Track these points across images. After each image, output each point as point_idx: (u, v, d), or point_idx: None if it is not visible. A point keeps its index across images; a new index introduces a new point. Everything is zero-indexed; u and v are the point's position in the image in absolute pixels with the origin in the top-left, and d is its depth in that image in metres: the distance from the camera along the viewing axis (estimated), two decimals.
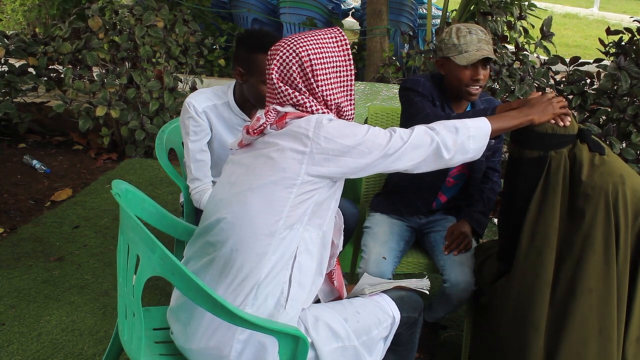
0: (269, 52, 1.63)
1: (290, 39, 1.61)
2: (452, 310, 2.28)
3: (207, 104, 2.27)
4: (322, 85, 1.59)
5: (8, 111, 4.03)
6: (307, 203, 1.55)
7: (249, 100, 2.23)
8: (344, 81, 1.63)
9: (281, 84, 1.59)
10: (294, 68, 1.57)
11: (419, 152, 1.62)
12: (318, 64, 1.58)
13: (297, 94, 1.58)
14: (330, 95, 1.60)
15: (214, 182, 2.35)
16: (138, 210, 1.76)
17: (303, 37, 1.60)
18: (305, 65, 1.57)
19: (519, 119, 1.77)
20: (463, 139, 1.67)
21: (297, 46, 1.58)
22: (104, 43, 4.03)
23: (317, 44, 1.59)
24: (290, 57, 1.57)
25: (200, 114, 2.25)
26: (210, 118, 2.27)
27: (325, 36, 1.62)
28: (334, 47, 1.61)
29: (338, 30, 1.64)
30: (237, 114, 2.29)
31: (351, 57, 1.64)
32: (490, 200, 2.32)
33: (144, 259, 1.45)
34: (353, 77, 1.64)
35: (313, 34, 1.62)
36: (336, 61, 1.61)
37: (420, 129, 1.65)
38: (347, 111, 1.64)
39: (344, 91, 1.63)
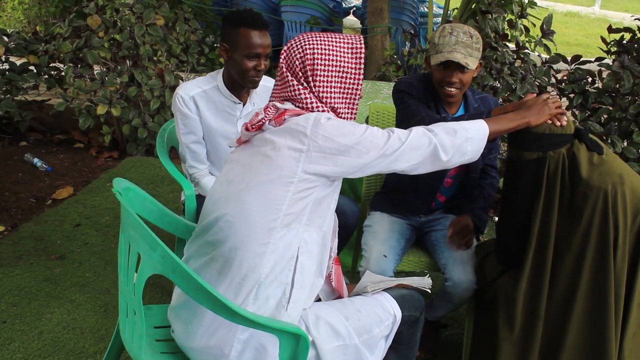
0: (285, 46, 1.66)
1: (305, 35, 1.63)
2: (453, 309, 2.28)
3: (196, 90, 2.34)
4: (319, 86, 1.60)
5: (9, 109, 4.03)
6: (305, 201, 1.54)
7: (235, 78, 2.29)
8: (348, 87, 1.63)
9: (288, 74, 1.62)
10: (297, 63, 1.60)
11: (417, 153, 1.62)
12: (321, 64, 1.59)
13: (300, 87, 1.60)
14: (326, 97, 1.61)
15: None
16: (139, 209, 1.76)
17: (317, 36, 1.62)
18: (307, 62, 1.59)
19: (516, 121, 1.77)
20: (461, 141, 1.67)
21: (306, 42, 1.61)
22: (104, 41, 4.03)
23: (328, 45, 1.61)
24: (296, 51, 1.61)
25: (187, 102, 2.32)
26: (198, 104, 2.33)
27: (342, 41, 1.63)
28: (346, 52, 1.62)
29: (358, 38, 1.66)
30: (226, 96, 2.35)
31: (362, 66, 1.64)
32: (490, 196, 2.31)
33: (145, 257, 1.44)
34: (360, 86, 1.64)
35: (330, 36, 1.63)
36: (344, 66, 1.61)
37: (418, 130, 1.65)
38: (344, 117, 1.65)
39: (345, 97, 1.64)
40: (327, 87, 1.60)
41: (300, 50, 1.60)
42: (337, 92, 1.62)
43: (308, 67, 1.59)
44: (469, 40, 2.04)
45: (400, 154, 1.60)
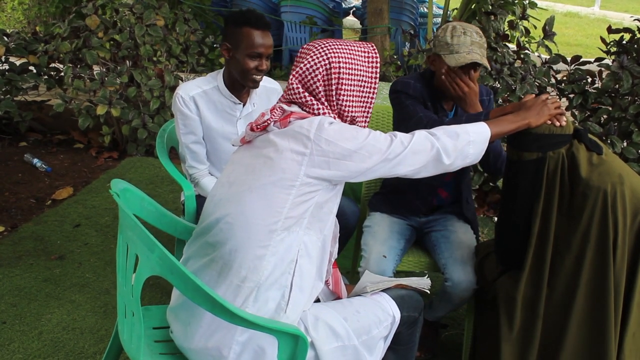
0: (299, 51, 1.64)
1: (324, 42, 1.61)
2: (453, 309, 2.28)
3: (196, 91, 2.34)
4: (343, 96, 1.59)
5: (9, 109, 4.03)
6: (306, 205, 1.54)
7: (236, 78, 2.28)
8: (365, 97, 1.63)
9: (294, 82, 1.60)
10: (320, 70, 1.58)
11: (420, 158, 1.62)
12: (346, 73, 1.58)
13: (306, 94, 1.59)
14: (348, 107, 1.61)
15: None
16: (137, 209, 1.76)
17: (337, 43, 1.61)
18: (332, 71, 1.57)
19: (516, 123, 1.78)
20: (463, 145, 1.67)
21: (330, 50, 1.58)
22: (104, 42, 4.03)
23: (350, 54, 1.60)
24: (320, 59, 1.58)
25: (187, 102, 2.32)
26: (198, 104, 2.33)
27: (359, 49, 1.62)
28: (364, 61, 1.62)
29: (372, 46, 1.65)
30: (226, 96, 2.36)
31: (378, 76, 1.64)
32: (499, 145, 2.25)
33: (143, 259, 1.44)
34: (375, 96, 1.64)
35: (347, 43, 1.62)
36: (363, 76, 1.61)
37: (420, 134, 1.64)
38: (360, 126, 1.65)
39: (362, 106, 1.64)
40: (349, 97, 1.60)
41: (325, 58, 1.57)
42: (357, 103, 1.62)
43: (334, 77, 1.57)
44: (481, 40, 2.05)
45: (402, 158, 1.60)
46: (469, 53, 2.02)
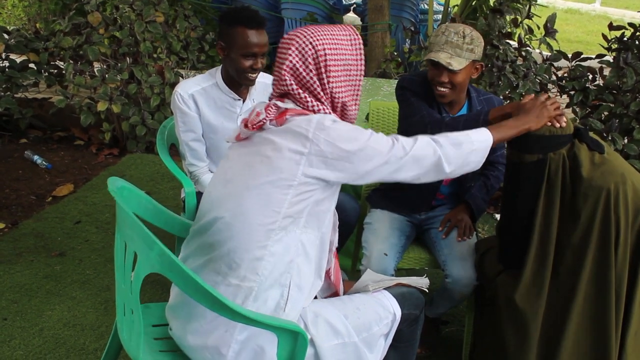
0: (281, 41, 1.61)
1: (305, 30, 1.58)
2: (453, 306, 2.28)
3: (195, 88, 2.34)
4: (332, 82, 1.57)
5: (9, 106, 4.03)
6: (304, 203, 1.52)
7: (233, 76, 2.29)
8: (352, 80, 1.61)
9: (288, 77, 1.56)
10: (309, 61, 1.55)
11: (420, 164, 1.59)
12: (332, 59, 1.56)
13: (300, 91, 1.56)
14: (338, 92, 1.58)
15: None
16: (135, 207, 1.75)
17: (319, 30, 1.58)
18: (320, 58, 1.55)
19: (517, 128, 1.76)
20: (465, 153, 1.64)
21: (314, 38, 1.55)
22: (104, 38, 4.03)
23: (333, 38, 1.57)
24: (307, 49, 1.55)
25: (186, 100, 2.32)
26: (197, 101, 2.34)
27: (340, 32, 1.60)
28: (347, 44, 1.59)
29: (352, 28, 1.63)
30: (225, 93, 2.36)
31: (363, 57, 1.62)
32: (493, 188, 2.31)
33: (142, 256, 1.44)
34: (362, 77, 1.62)
35: (328, 29, 1.59)
36: (348, 59, 1.59)
37: (423, 140, 1.61)
38: (351, 111, 1.62)
39: (351, 90, 1.62)
40: (338, 82, 1.57)
41: (311, 47, 1.54)
42: (346, 87, 1.60)
43: (322, 65, 1.55)
44: (460, 41, 2.03)
45: (403, 164, 1.57)
46: (436, 52, 2.03)
